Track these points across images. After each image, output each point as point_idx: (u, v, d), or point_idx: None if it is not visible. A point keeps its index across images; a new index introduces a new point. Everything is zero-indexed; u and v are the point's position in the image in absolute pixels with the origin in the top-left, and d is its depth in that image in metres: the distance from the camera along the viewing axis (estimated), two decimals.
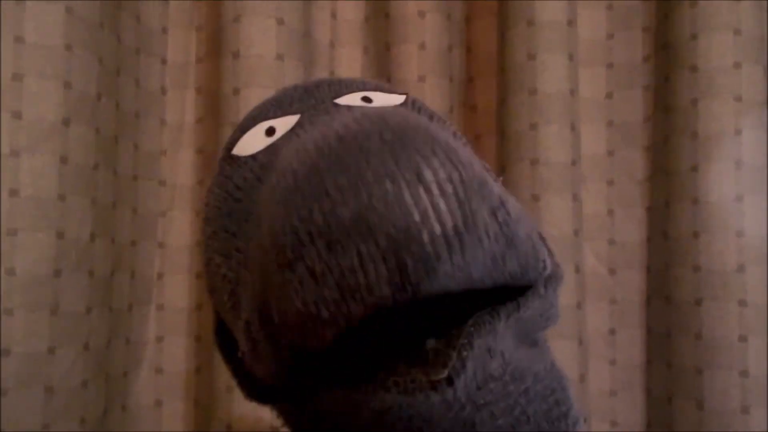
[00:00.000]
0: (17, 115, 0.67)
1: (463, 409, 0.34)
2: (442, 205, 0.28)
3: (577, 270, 0.79)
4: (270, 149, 0.38)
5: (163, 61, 0.88)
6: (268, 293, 0.32)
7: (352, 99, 0.41)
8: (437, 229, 0.28)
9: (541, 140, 0.79)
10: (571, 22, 0.80)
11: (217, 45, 0.82)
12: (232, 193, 0.39)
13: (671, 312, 0.80)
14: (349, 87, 0.42)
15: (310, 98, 0.41)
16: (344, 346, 0.31)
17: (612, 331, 0.86)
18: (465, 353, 0.30)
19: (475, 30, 0.90)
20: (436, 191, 0.28)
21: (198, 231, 0.84)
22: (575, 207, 0.79)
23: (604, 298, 0.86)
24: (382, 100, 0.42)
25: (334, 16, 0.89)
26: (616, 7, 0.88)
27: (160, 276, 0.86)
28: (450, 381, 0.30)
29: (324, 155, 0.30)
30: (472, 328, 0.31)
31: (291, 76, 0.79)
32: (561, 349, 0.70)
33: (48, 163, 0.68)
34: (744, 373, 0.74)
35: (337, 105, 0.40)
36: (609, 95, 0.88)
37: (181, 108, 0.88)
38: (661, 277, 0.83)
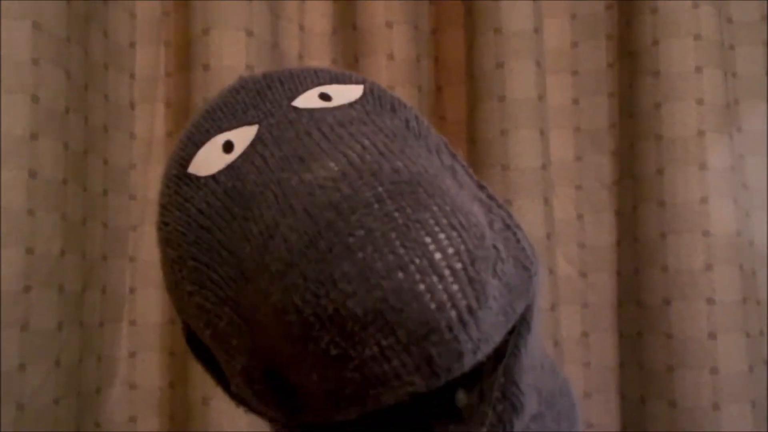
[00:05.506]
0: None
1: None
2: (455, 288, 0.27)
3: (551, 272, 0.80)
4: (232, 170, 0.35)
5: (132, 76, 0.87)
6: (276, 354, 0.31)
7: (310, 99, 0.38)
8: (454, 315, 0.27)
9: (512, 146, 0.80)
10: (537, 30, 0.82)
11: (186, 58, 0.82)
12: (195, 218, 0.36)
13: (642, 313, 0.81)
14: (304, 83, 0.40)
15: (264, 102, 0.38)
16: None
17: (585, 334, 0.87)
18: (500, 407, 0.29)
19: (442, 40, 0.91)
20: (448, 275, 0.27)
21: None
22: (546, 211, 0.80)
23: (576, 301, 0.87)
24: (339, 94, 0.39)
25: (302, 28, 0.90)
26: (580, 16, 0.90)
27: (131, 291, 0.86)
28: None
29: (321, 228, 0.28)
30: (502, 378, 0.30)
31: None
32: None
33: (16, 178, 0.68)
34: (714, 371, 0.75)
35: (297, 110, 0.37)
36: (575, 101, 0.89)
37: (150, 122, 0.87)
38: (631, 280, 0.84)
